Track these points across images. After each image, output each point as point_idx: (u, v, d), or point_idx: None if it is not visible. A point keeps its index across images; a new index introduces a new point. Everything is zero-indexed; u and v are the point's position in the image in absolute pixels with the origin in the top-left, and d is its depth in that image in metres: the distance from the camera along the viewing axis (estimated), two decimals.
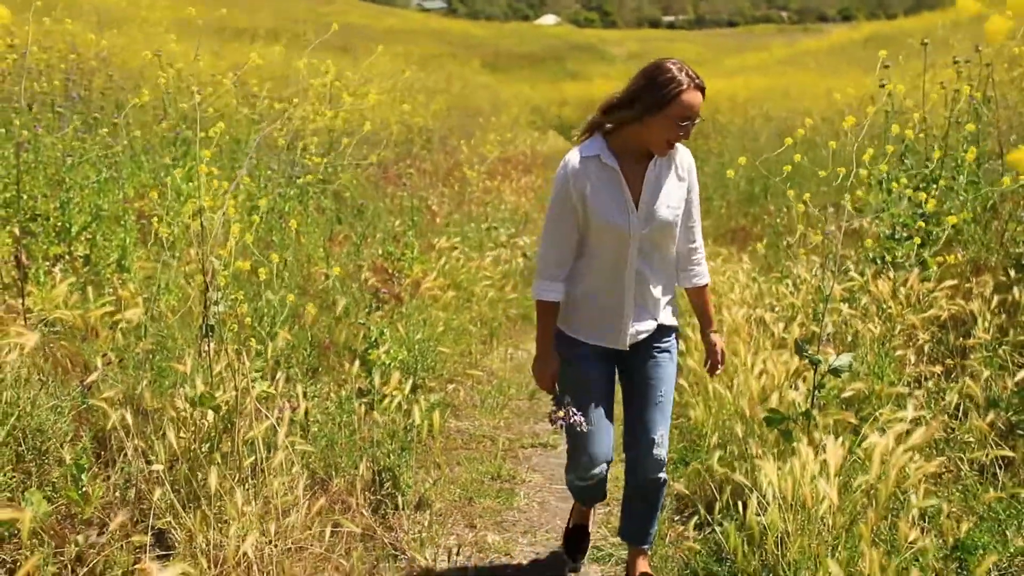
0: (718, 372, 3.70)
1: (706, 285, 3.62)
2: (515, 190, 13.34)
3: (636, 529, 3.65)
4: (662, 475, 3.49)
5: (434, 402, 5.33)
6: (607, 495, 3.91)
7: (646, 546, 3.68)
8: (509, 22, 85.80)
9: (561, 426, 3.44)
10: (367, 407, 4.69)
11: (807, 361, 3.99)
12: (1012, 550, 3.24)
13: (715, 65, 43.25)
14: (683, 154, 3.40)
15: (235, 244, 3.72)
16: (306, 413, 4.41)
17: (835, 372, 3.85)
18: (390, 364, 5.32)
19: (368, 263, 7.14)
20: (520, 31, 66.89)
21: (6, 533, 3.02)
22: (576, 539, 3.96)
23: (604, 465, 3.48)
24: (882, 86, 6.73)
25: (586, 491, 3.72)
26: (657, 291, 3.44)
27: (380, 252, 7.45)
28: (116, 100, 8.21)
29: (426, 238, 8.65)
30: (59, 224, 5.94)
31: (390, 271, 7.02)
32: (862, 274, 5.82)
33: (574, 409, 3.40)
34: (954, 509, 3.64)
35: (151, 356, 4.41)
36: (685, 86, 3.13)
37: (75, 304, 4.77)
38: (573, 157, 3.32)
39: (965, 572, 3.20)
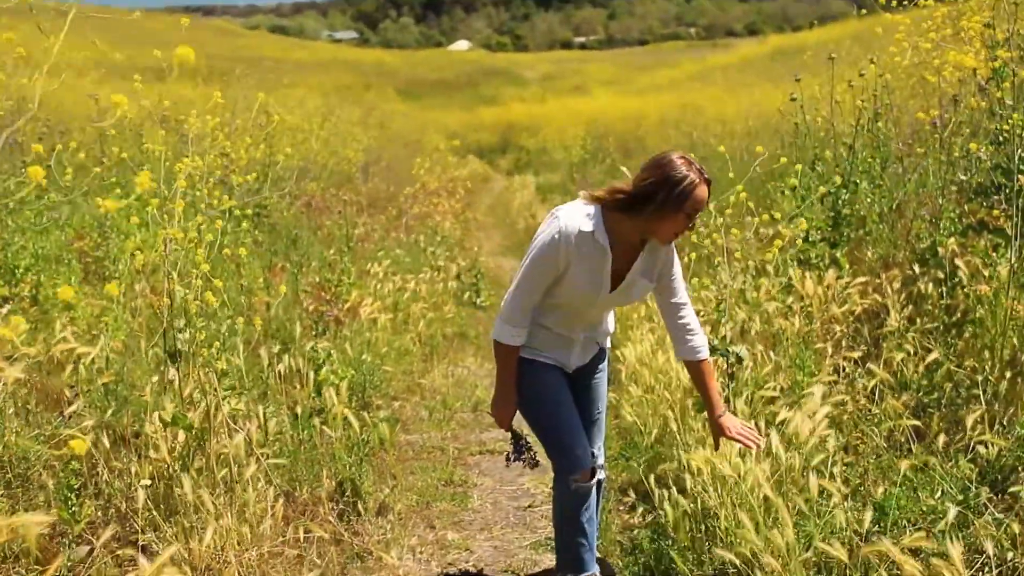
0: (759, 444, 3.57)
1: (706, 360, 3.59)
2: (442, 214, 13.63)
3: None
4: (601, 475, 3.71)
5: (383, 417, 5.61)
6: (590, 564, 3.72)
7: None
8: (422, 49, 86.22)
9: (524, 464, 3.69)
10: (322, 423, 4.94)
11: (719, 355, 4.37)
12: (924, 508, 3.60)
13: (628, 83, 44.13)
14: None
15: (197, 274, 3.95)
16: (266, 431, 4.64)
17: (739, 359, 4.26)
18: (339, 384, 5.58)
19: (307, 290, 7.37)
20: (433, 58, 67.36)
21: (6, 552, 3.21)
22: None
23: (592, 462, 3.57)
24: (793, 99, 7.18)
25: (585, 501, 3.61)
26: (605, 328, 3.69)
27: (317, 280, 7.69)
28: (51, 144, 8.33)
29: (360, 264, 8.90)
30: (3, 267, 6.08)
31: (328, 297, 7.27)
32: (783, 276, 6.21)
33: (529, 444, 3.66)
34: (872, 477, 4.01)
35: (115, 386, 4.60)
36: (698, 182, 3.20)
37: (33, 342, 4.94)
38: (571, 227, 3.30)
39: (882, 529, 3.55)
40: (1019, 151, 4.71)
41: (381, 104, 28.90)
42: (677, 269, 3.54)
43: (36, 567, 3.22)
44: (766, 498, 3.46)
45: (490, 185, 22.72)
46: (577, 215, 3.34)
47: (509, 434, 3.70)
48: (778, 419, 4.10)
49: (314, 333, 6.15)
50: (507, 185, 21.85)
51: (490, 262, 12.52)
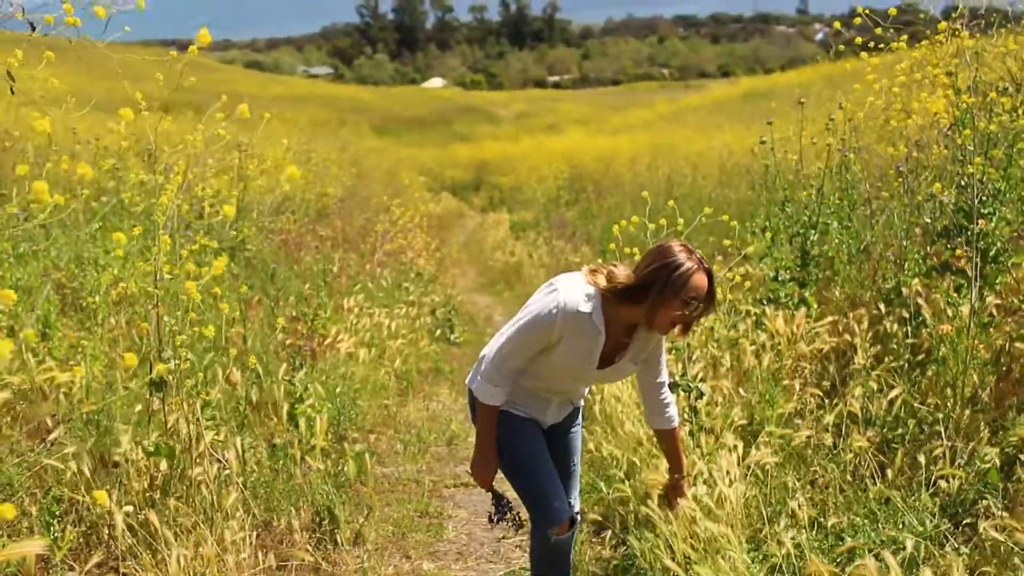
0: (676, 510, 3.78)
1: (676, 428, 3.70)
2: (416, 250, 13.73)
3: None
4: (571, 535, 3.63)
5: (359, 450, 5.68)
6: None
7: None
8: (396, 86, 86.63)
9: (508, 525, 3.69)
10: (299, 455, 5.03)
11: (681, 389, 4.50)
12: (884, 538, 3.72)
13: (601, 123, 44.49)
14: None
15: (189, 305, 4.03)
16: (243, 462, 4.71)
17: (700, 394, 4.39)
18: (315, 417, 5.66)
19: (283, 325, 7.45)
20: (408, 95, 67.75)
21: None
22: None
23: (570, 513, 3.58)
24: (763, 142, 7.37)
25: (562, 552, 3.63)
26: (581, 392, 3.75)
27: (294, 314, 7.76)
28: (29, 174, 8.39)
29: (335, 299, 8.98)
30: None
31: (304, 331, 7.35)
32: (754, 315, 6.35)
33: (511, 505, 3.66)
34: (833, 509, 4.13)
35: (95, 415, 4.66)
36: (695, 269, 3.23)
37: (12, 371, 4.99)
38: (571, 305, 3.31)
39: (845, 557, 3.66)
40: (979, 195, 4.88)
41: (356, 140, 29.04)
42: (663, 346, 3.60)
43: None
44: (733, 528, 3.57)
45: (464, 222, 22.87)
46: (577, 293, 3.33)
47: (490, 495, 3.67)
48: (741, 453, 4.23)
49: (292, 367, 6.21)
50: (481, 222, 22.02)
51: (464, 298, 12.64)
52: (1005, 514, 3.79)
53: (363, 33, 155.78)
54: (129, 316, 6.54)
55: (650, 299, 3.24)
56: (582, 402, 3.83)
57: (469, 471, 3.68)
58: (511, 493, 3.65)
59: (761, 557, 3.71)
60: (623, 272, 3.33)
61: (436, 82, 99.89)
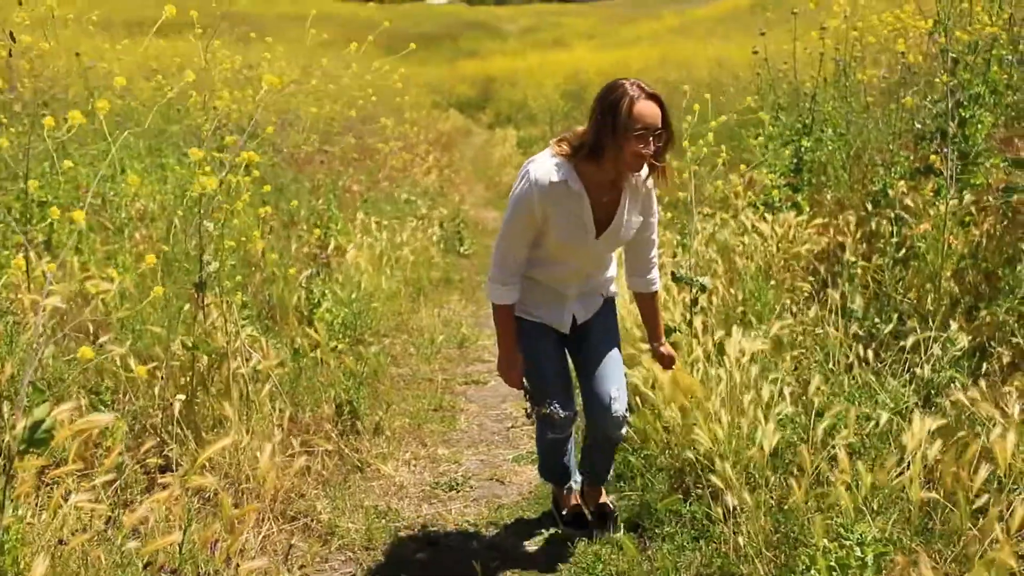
0: (672, 367, 3.89)
1: (657, 292, 3.75)
2: (423, 168, 13.99)
3: (596, 472, 3.97)
4: (622, 432, 3.71)
5: (375, 351, 6.06)
6: (572, 472, 4.03)
7: (602, 484, 4.07)
8: (402, 3, 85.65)
9: (538, 414, 3.65)
10: (320, 355, 5.40)
11: (684, 283, 4.81)
12: (859, 414, 4.07)
13: (610, 36, 44.12)
14: (645, 175, 3.44)
15: (232, 211, 4.38)
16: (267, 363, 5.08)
17: (702, 288, 4.70)
18: (333, 321, 6.03)
19: (300, 236, 7.78)
20: (413, 12, 66.99)
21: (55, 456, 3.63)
22: (576, 523, 4.01)
23: (569, 411, 3.65)
24: (755, 52, 7.61)
25: (556, 451, 3.87)
26: (601, 279, 3.68)
27: (306, 227, 8.08)
28: (51, 96, 8.65)
29: (346, 213, 9.28)
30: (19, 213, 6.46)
31: (317, 243, 7.67)
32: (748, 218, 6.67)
33: (550, 400, 3.60)
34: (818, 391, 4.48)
35: (132, 320, 5.02)
36: (638, 96, 3.18)
37: (56, 279, 5.35)
38: (542, 178, 3.31)
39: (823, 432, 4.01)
40: (950, 102, 5.15)
41: (362, 58, 28.96)
42: (655, 205, 3.57)
43: (79, 471, 3.65)
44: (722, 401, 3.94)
45: (471, 139, 23.02)
46: (546, 166, 3.34)
47: (523, 392, 3.69)
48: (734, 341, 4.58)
49: (309, 275, 6.55)
50: (488, 139, 22.18)
51: (473, 213, 12.93)
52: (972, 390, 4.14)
53: None
54: (153, 229, 6.86)
55: (606, 145, 3.22)
56: (613, 290, 3.77)
57: (499, 374, 3.68)
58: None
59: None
60: (581, 130, 3.35)
61: None
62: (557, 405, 3.61)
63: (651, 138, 3.22)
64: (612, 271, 3.76)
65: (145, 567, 2.87)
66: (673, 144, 3.36)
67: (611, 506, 4.03)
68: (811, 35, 7.61)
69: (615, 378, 3.64)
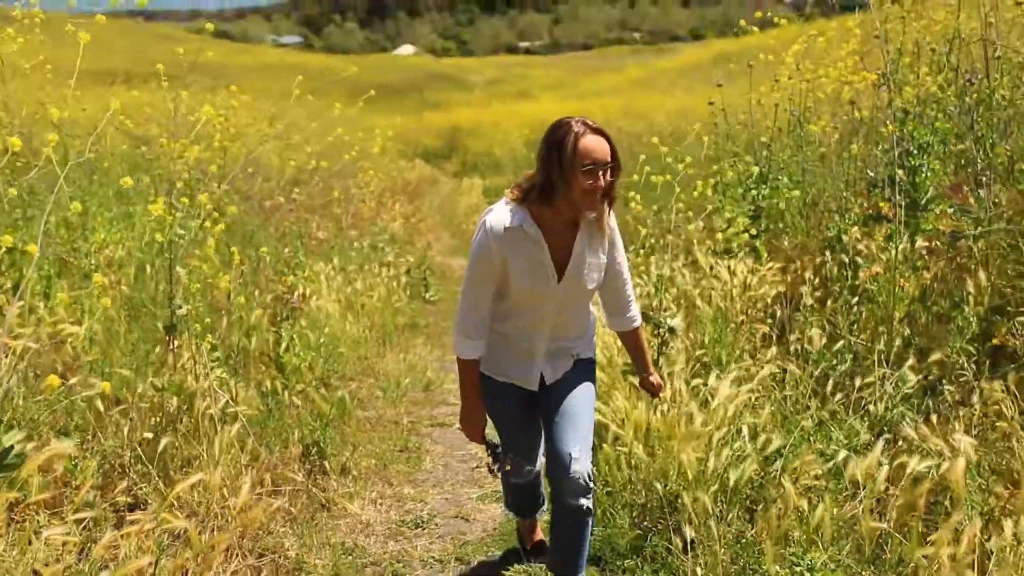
0: (659, 395, 3.84)
1: (639, 327, 3.67)
2: (390, 216, 14.12)
3: (564, 558, 3.56)
4: (584, 501, 3.35)
5: (342, 395, 6.13)
6: (543, 500, 4.07)
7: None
8: (367, 54, 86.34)
9: (498, 470, 3.61)
10: (288, 397, 5.47)
11: (653, 325, 4.94)
12: (815, 452, 4.20)
13: (573, 87, 44.74)
14: (607, 217, 3.39)
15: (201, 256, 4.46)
16: (237, 402, 5.14)
17: (671, 331, 4.82)
18: (300, 364, 6.10)
19: (272, 279, 7.86)
20: (379, 63, 67.52)
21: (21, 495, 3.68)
22: (539, 553, 4.06)
23: (532, 466, 3.69)
24: (711, 104, 7.85)
25: (522, 493, 3.94)
26: (573, 337, 3.55)
27: (273, 273, 8.16)
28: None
29: (313, 260, 9.38)
30: None
31: (284, 290, 7.75)
32: (709, 266, 6.84)
33: (510, 455, 3.57)
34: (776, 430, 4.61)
35: (100, 363, 5.07)
36: (582, 132, 3.16)
37: (24, 325, 5.39)
38: (496, 225, 3.27)
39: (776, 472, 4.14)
40: (897, 151, 5.35)
41: (327, 109, 29.18)
42: (619, 243, 3.50)
43: (49, 509, 3.69)
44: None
45: (437, 188, 23.19)
46: (500, 213, 3.30)
47: (484, 446, 3.63)
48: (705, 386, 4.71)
49: (279, 319, 6.62)
50: (455, 187, 22.38)
51: (440, 260, 13.07)
52: (923, 426, 4.28)
53: (333, 0, 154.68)
54: (121, 275, 6.91)
55: (555, 183, 3.18)
56: (589, 353, 3.66)
57: (460, 427, 3.61)
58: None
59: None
60: (530, 174, 3.34)
61: (407, 49, 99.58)
62: (518, 461, 3.61)
63: (600, 172, 3.18)
64: (586, 330, 3.64)
65: None
66: (619, 175, 3.30)
67: None
68: (762, 89, 7.86)
69: (576, 439, 3.39)
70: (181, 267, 4.36)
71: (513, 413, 3.60)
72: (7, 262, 6.60)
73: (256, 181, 11.75)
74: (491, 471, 3.63)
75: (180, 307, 4.34)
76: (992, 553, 2.99)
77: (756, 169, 7.14)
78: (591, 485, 3.35)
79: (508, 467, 3.58)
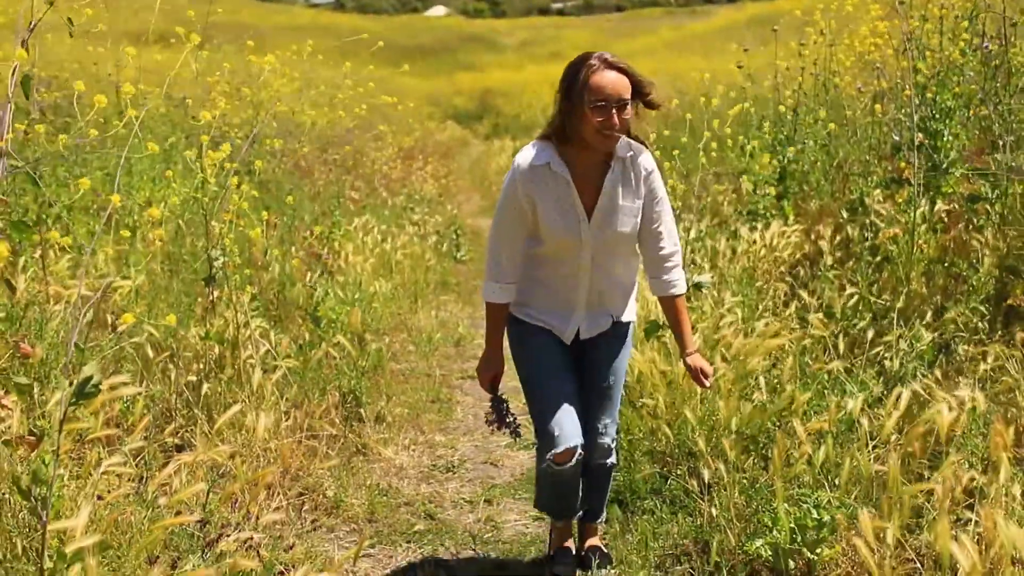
0: (708, 384, 3.48)
1: (680, 296, 3.41)
2: (421, 177, 14.32)
3: (587, 508, 3.70)
4: (609, 460, 3.54)
5: (376, 347, 6.36)
6: (579, 503, 3.66)
7: (597, 522, 3.78)
8: (399, 15, 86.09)
9: (497, 429, 3.54)
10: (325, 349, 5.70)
11: None
12: (829, 403, 4.38)
13: (605, 49, 44.42)
14: (642, 159, 3.27)
15: (235, 210, 4.68)
16: (276, 353, 5.38)
17: (697, 286, 4.99)
18: (336, 319, 6.33)
19: (299, 242, 8.10)
20: (411, 24, 67.34)
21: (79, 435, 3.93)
22: (560, 562, 3.69)
23: (576, 440, 3.26)
24: (739, 67, 7.96)
25: (560, 482, 3.43)
26: (615, 293, 3.40)
27: (309, 232, 8.40)
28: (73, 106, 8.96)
29: (347, 218, 9.61)
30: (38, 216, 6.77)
31: (319, 248, 7.99)
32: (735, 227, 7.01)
33: (510, 411, 3.52)
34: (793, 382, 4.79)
35: (149, 310, 5.33)
36: (596, 67, 3.06)
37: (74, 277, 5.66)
38: (523, 163, 3.20)
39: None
40: (917, 113, 5.49)
41: (359, 69, 29.32)
42: (660, 191, 3.31)
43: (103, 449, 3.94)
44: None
45: (468, 149, 23.36)
46: (528, 152, 3.23)
47: (490, 398, 3.56)
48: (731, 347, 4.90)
49: (315, 275, 6.86)
50: (485, 149, 22.52)
51: (470, 221, 13.27)
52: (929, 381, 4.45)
53: None
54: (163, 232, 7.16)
55: (570, 121, 3.12)
56: (629, 316, 3.50)
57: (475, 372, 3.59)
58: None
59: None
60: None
61: (439, 10, 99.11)
62: (516, 422, 3.53)
63: (613, 109, 3.07)
64: (627, 288, 3.47)
65: (175, 513, 3.16)
66: (655, 106, 3.20)
67: (604, 550, 3.76)
68: (781, 53, 7.97)
69: (606, 413, 3.49)
70: (217, 222, 4.58)
71: (548, 351, 3.38)
72: (53, 216, 6.86)
73: (289, 141, 11.97)
74: (488, 422, 3.58)
75: (217, 259, 4.56)
76: (979, 489, 3.18)
77: (777, 135, 7.27)
78: (614, 447, 3.56)
79: (506, 430, 3.52)
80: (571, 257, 3.28)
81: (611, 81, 3.06)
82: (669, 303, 3.42)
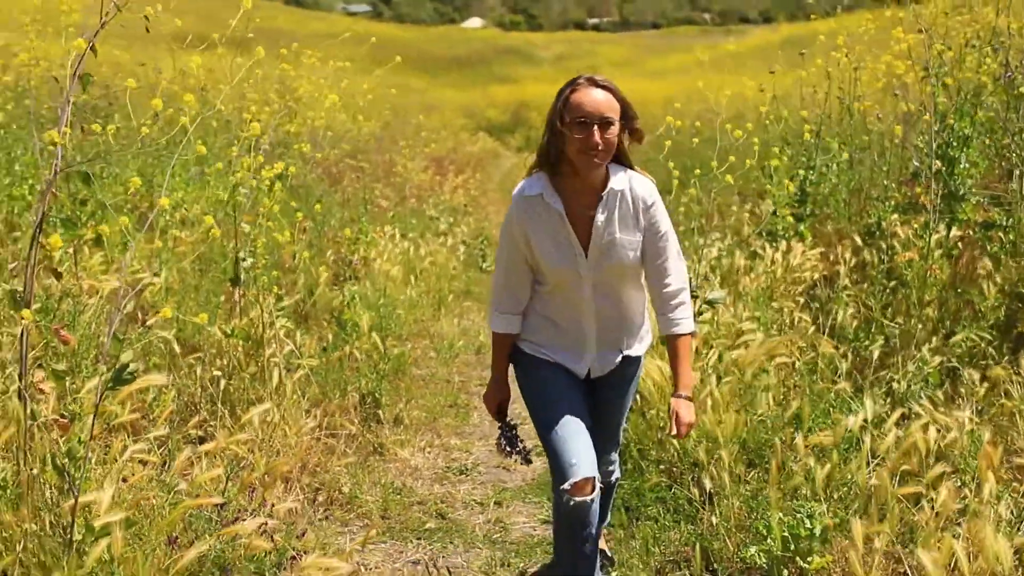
0: (681, 434, 3.22)
1: (685, 336, 3.25)
2: (450, 187, 14.51)
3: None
4: (614, 477, 3.63)
5: (398, 352, 6.52)
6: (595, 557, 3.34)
7: (602, 526, 3.75)
8: (435, 25, 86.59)
9: (508, 456, 3.52)
10: (348, 351, 5.87)
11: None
12: (832, 421, 4.49)
13: (639, 66, 44.66)
14: (642, 190, 3.16)
15: (264, 212, 4.86)
16: (300, 353, 5.55)
17: (710, 303, 5.11)
18: (360, 321, 6.50)
19: (328, 246, 8.28)
20: (447, 35, 67.79)
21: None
22: None
23: (592, 473, 3.09)
24: (762, 90, 8.10)
25: (579, 520, 3.14)
26: (622, 328, 3.30)
27: (337, 236, 8.58)
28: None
29: (375, 226, 9.79)
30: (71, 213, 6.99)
31: (347, 253, 8.17)
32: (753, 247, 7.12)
33: (520, 438, 3.50)
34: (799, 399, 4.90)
35: (177, 308, 5.51)
36: (581, 85, 3.01)
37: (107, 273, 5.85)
38: (518, 194, 3.14)
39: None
40: (943, 140, 5.59)
41: (394, 79, 29.61)
42: (663, 224, 3.18)
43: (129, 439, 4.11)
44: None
45: (499, 161, 23.53)
46: (526, 182, 3.16)
47: (499, 424, 3.56)
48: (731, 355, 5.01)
49: (341, 280, 7.03)
50: (517, 162, 22.68)
51: (496, 232, 13.42)
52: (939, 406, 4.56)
53: None
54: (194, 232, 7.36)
55: (554, 143, 3.05)
56: (639, 350, 3.39)
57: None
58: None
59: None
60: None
61: (475, 22, 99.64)
62: (526, 448, 3.50)
63: (594, 127, 2.97)
64: (635, 321, 3.35)
65: (195, 497, 3.32)
66: (639, 136, 3.15)
67: (607, 553, 3.80)
68: (803, 74, 8.08)
69: (612, 446, 3.54)
70: (246, 224, 4.75)
71: (555, 388, 3.27)
72: (85, 213, 7.07)
73: (320, 147, 12.17)
74: (499, 448, 3.54)
75: (245, 260, 4.73)
76: (967, 504, 3.29)
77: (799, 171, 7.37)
78: (618, 462, 3.66)
79: (513, 458, 3.50)
80: (573, 292, 3.20)
81: (593, 99, 2.99)
82: (672, 341, 3.26)
